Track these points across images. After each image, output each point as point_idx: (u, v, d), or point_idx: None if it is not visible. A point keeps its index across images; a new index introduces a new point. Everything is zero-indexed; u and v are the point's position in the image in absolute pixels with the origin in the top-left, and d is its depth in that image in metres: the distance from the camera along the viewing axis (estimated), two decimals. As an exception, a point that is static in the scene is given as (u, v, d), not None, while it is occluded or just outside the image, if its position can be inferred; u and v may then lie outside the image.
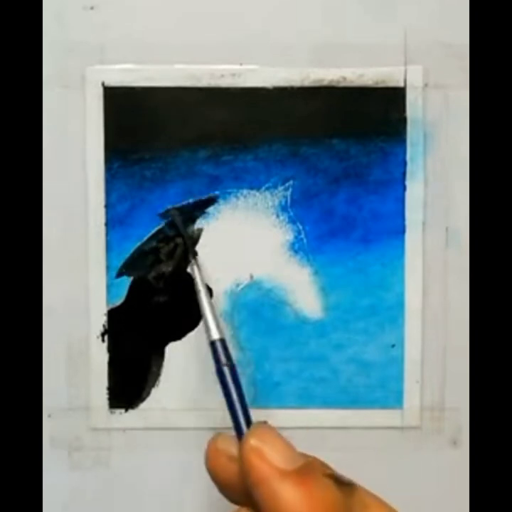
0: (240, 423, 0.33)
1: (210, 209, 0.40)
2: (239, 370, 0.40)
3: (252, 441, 0.30)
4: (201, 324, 0.40)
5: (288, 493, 0.28)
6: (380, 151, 0.40)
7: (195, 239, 0.40)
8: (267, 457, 0.29)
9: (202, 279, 0.38)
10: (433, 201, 0.40)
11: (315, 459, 0.31)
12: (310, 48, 0.40)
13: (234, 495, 0.31)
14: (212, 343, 0.35)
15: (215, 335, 0.36)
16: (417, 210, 0.40)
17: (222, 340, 0.35)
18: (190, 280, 0.40)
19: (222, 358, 0.35)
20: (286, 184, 0.40)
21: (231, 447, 0.32)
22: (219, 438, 0.32)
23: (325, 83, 0.40)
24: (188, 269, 0.39)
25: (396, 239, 0.40)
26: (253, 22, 0.40)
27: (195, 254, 0.39)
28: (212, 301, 0.39)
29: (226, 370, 0.34)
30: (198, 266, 0.39)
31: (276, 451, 0.29)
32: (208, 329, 0.36)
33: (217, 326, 0.36)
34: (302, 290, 0.40)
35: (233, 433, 0.33)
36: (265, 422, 0.32)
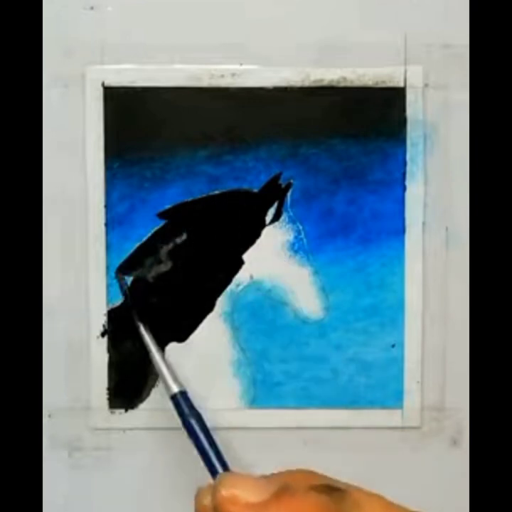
0: (217, 469, 0.34)
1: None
2: (239, 370, 0.40)
3: (223, 491, 0.30)
4: (201, 324, 0.40)
5: None
6: (380, 151, 0.40)
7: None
8: (241, 499, 0.29)
9: (152, 339, 0.39)
10: (433, 201, 0.40)
11: (295, 474, 0.30)
12: (310, 48, 0.40)
13: None
14: (173, 397, 0.37)
15: (175, 388, 0.37)
16: (417, 210, 0.40)
17: (183, 393, 0.36)
18: (189, 280, 0.40)
19: (186, 410, 0.36)
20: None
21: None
22: (201, 494, 0.32)
23: (325, 83, 0.40)
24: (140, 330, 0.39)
25: (396, 239, 0.40)
26: (253, 22, 0.40)
27: (141, 319, 0.40)
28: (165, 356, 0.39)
29: (193, 421, 0.35)
30: (145, 328, 0.39)
31: (248, 488, 0.29)
32: (166, 385, 0.37)
33: (175, 380, 0.37)
34: (302, 290, 0.40)
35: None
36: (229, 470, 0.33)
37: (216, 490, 0.30)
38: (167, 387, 0.37)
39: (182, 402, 0.36)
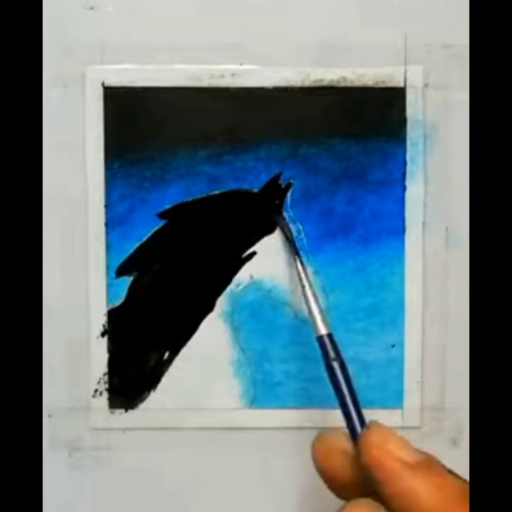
0: (353, 420, 0.32)
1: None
2: (239, 370, 0.40)
3: (375, 438, 0.29)
4: (201, 325, 0.40)
5: (421, 485, 0.28)
6: (380, 151, 0.40)
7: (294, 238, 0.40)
8: (394, 453, 0.29)
9: (307, 275, 0.37)
10: (433, 201, 0.40)
11: (431, 454, 0.30)
12: (310, 48, 0.40)
13: (348, 491, 0.31)
14: (320, 338, 0.35)
15: (322, 330, 0.35)
16: (417, 210, 0.40)
17: (330, 335, 0.35)
18: (189, 280, 0.40)
19: (331, 353, 0.34)
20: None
21: (344, 444, 0.31)
22: (329, 436, 0.31)
23: (325, 83, 0.40)
24: (297, 266, 0.38)
25: (396, 239, 0.40)
26: (253, 22, 0.40)
27: (298, 252, 0.39)
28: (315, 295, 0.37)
29: (335, 365, 0.34)
30: (301, 263, 0.38)
31: (400, 447, 0.29)
32: (314, 324, 0.35)
33: (324, 321, 0.35)
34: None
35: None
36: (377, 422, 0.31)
37: (368, 436, 0.29)
38: (315, 326, 0.35)
39: (328, 344, 0.34)
